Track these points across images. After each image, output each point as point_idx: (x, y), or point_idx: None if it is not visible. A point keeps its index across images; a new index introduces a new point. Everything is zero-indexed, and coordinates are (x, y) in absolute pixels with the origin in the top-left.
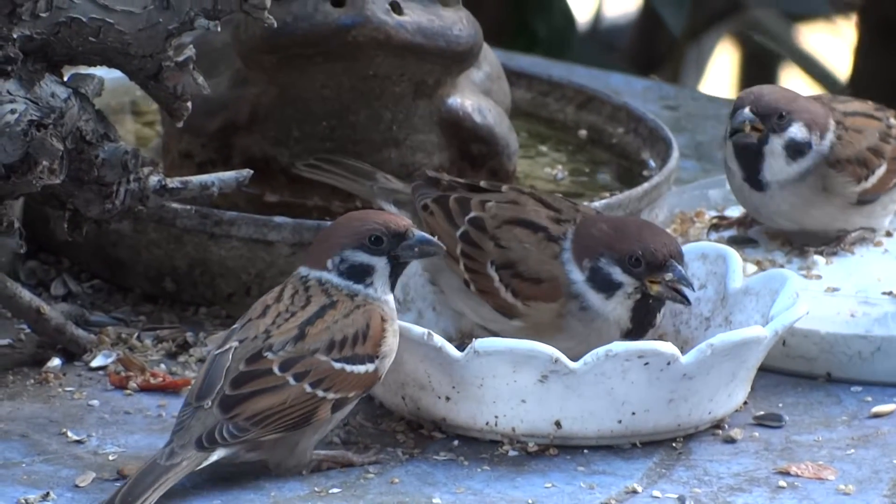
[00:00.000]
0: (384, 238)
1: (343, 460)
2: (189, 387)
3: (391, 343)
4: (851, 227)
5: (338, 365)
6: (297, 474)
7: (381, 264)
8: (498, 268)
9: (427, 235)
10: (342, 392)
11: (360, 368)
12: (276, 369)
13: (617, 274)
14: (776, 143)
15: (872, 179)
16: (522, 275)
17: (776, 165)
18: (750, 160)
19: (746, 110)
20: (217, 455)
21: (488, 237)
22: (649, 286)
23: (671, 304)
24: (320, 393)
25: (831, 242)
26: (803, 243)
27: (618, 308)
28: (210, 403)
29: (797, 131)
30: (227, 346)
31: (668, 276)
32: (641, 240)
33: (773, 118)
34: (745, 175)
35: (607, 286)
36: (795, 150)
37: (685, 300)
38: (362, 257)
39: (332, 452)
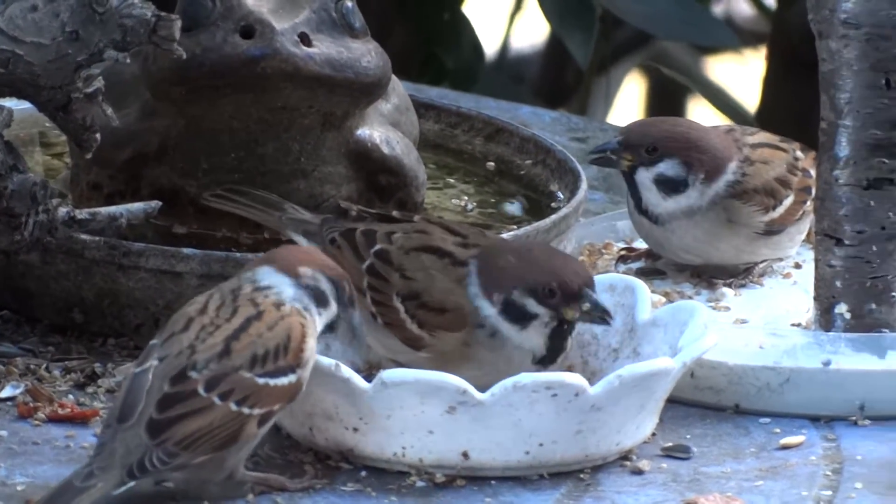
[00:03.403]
0: (347, 294)
1: (276, 484)
2: (98, 417)
3: (312, 347)
4: (758, 259)
5: (261, 380)
6: (227, 496)
7: (334, 308)
8: (403, 299)
9: (360, 327)
10: (267, 406)
11: (283, 381)
12: (201, 390)
13: (532, 306)
14: (644, 176)
15: (780, 209)
16: (427, 305)
17: (652, 198)
18: (630, 189)
19: (613, 140)
20: (138, 480)
21: (394, 269)
22: (565, 313)
23: (578, 336)
24: (246, 410)
25: (739, 274)
26: (711, 275)
27: (533, 337)
28: (133, 425)
29: (668, 168)
30: (146, 365)
31: (585, 305)
32: (553, 269)
33: (641, 150)
34: (633, 203)
35: (522, 318)
36: (667, 185)
37: (605, 323)
38: (328, 288)
39: (264, 475)
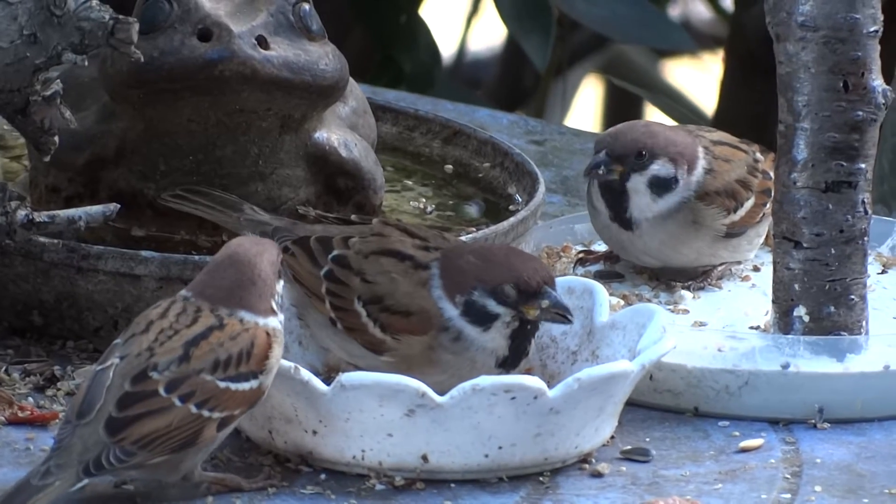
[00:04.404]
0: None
1: (232, 484)
2: (57, 420)
3: (277, 354)
4: (717, 262)
5: (223, 384)
6: (186, 497)
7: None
8: (365, 303)
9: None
10: (228, 410)
11: (245, 385)
12: (161, 390)
13: (492, 305)
14: (638, 182)
15: (741, 212)
16: (391, 308)
17: (642, 203)
18: (615, 199)
19: (602, 154)
20: (94, 478)
21: (354, 273)
22: (526, 312)
23: (537, 339)
24: (206, 413)
25: (698, 277)
26: (670, 278)
27: (496, 338)
28: (92, 422)
29: (660, 168)
30: (108, 363)
31: (545, 302)
32: (512, 268)
33: (631, 157)
34: (612, 214)
35: (484, 318)
36: (661, 186)
37: (565, 321)
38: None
39: (220, 475)
